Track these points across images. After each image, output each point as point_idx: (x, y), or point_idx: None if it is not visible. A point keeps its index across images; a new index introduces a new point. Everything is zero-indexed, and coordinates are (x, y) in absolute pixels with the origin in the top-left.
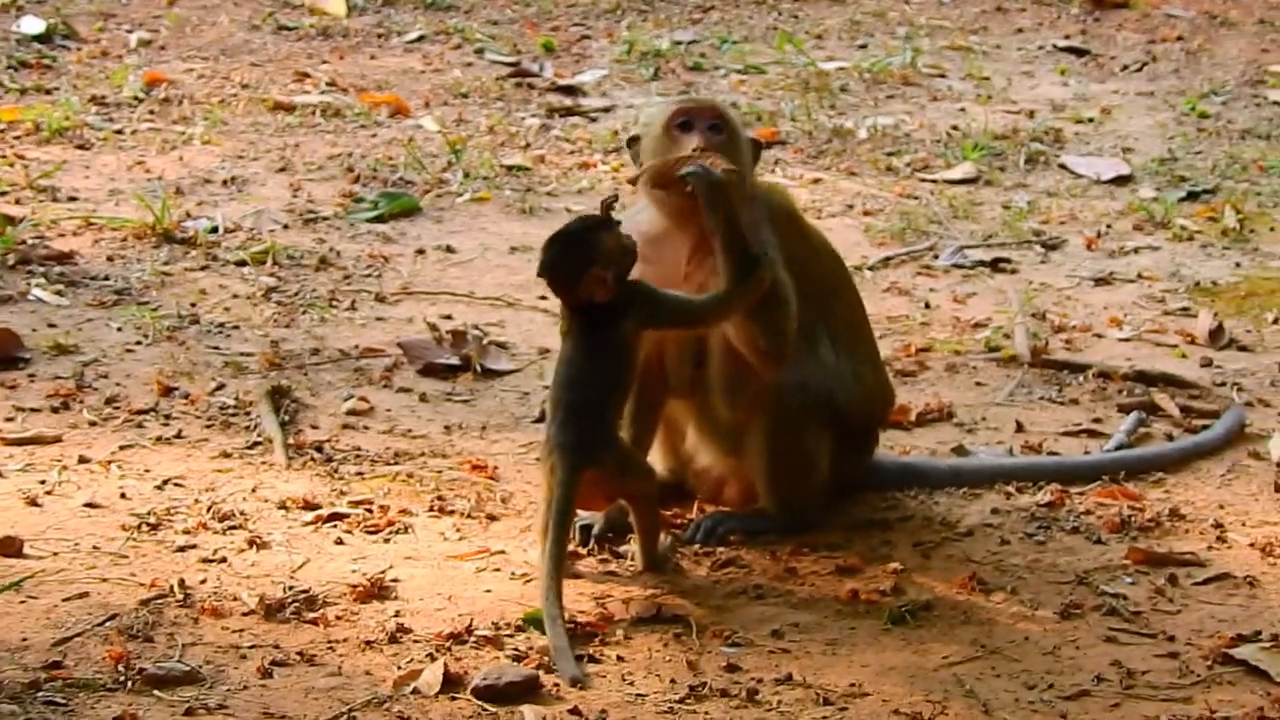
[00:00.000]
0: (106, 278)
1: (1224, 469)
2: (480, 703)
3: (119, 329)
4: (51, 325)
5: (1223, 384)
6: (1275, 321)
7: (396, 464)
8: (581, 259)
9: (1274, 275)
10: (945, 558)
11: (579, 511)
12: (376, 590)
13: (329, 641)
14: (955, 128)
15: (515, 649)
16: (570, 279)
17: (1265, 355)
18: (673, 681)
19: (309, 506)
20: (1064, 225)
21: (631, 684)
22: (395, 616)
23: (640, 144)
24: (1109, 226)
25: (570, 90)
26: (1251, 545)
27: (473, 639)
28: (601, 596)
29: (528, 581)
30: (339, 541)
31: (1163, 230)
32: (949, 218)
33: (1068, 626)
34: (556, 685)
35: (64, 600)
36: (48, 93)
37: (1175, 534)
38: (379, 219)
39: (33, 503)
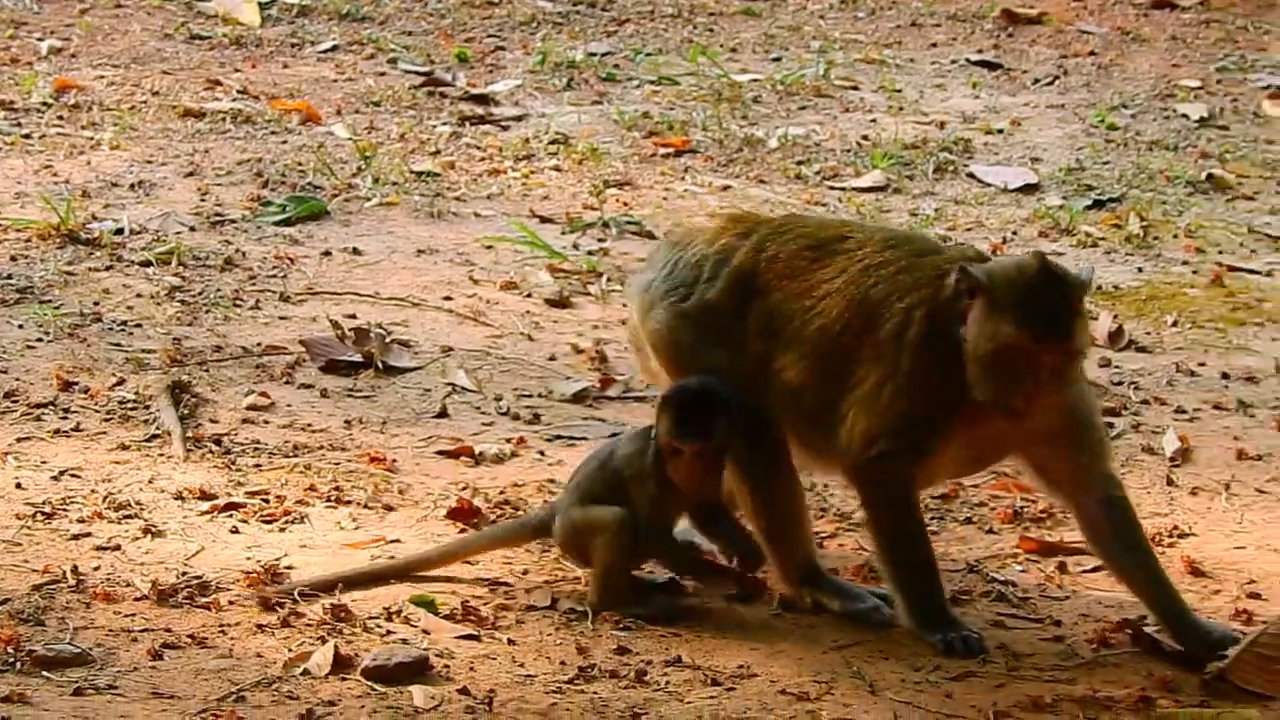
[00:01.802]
0: (9, 276)
1: (1119, 463)
2: (369, 683)
3: (20, 326)
4: None
5: (1120, 383)
6: (1174, 324)
7: (295, 456)
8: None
9: (1175, 280)
10: (839, 547)
11: None
12: (270, 577)
13: (220, 625)
14: (866, 138)
15: (405, 632)
16: None
17: (1163, 356)
18: (562, 663)
19: (205, 496)
20: (970, 232)
21: (521, 665)
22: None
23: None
24: (1015, 233)
25: (483, 99)
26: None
27: (363, 622)
28: (498, 584)
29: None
30: (234, 530)
31: (1068, 236)
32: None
33: (956, 611)
34: (446, 665)
35: None
36: None
37: (1067, 524)
38: (286, 222)
39: None
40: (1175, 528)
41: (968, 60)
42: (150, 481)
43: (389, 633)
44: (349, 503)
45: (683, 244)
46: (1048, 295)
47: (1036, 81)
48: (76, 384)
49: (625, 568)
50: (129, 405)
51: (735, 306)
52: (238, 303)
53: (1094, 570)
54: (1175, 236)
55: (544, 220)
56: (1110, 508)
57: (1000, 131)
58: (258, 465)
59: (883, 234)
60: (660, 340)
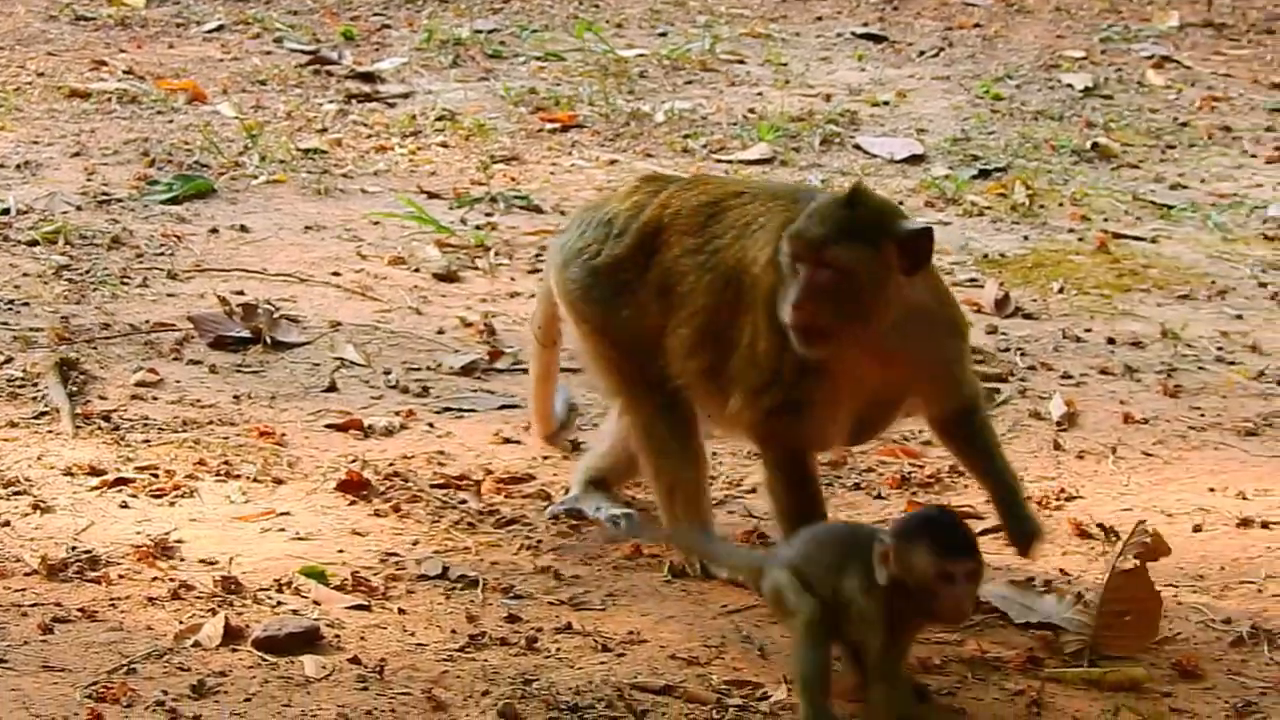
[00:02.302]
0: None
1: (1006, 428)
2: (260, 654)
3: None
4: None
5: (1007, 349)
6: (1060, 291)
7: (184, 431)
8: None
9: (1060, 248)
10: (728, 514)
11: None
12: (160, 550)
13: (111, 599)
14: (752, 111)
15: (296, 603)
16: None
17: (1049, 322)
18: (453, 632)
19: (95, 472)
20: None
21: (412, 634)
22: (178, 574)
23: None
24: (901, 203)
25: (369, 77)
26: (1029, 498)
27: (254, 594)
28: (388, 555)
29: (308, 539)
30: (124, 505)
31: (954, 206)
32: None
33: None
34: (337, 635)
35: None
36: None
37: (955, 489)
38: (173, 200)
39: None
40: (1062, 490)
41: (853, 33)
42: (39, 458)
43: (279, 604)
44: (238, 476)
45: (599, 204)
46: (829, 208)
47: (922, 54)
48: None
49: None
50: (17, 383)
51: (640, 261)
52: (125, 280)
53: (983, 534)
54: (1061, 205)
55: (431, 196)
56: (965, 414)
57: (886, 103)
58: (147, 441)
59: (774, 189)
60: (572, 298)
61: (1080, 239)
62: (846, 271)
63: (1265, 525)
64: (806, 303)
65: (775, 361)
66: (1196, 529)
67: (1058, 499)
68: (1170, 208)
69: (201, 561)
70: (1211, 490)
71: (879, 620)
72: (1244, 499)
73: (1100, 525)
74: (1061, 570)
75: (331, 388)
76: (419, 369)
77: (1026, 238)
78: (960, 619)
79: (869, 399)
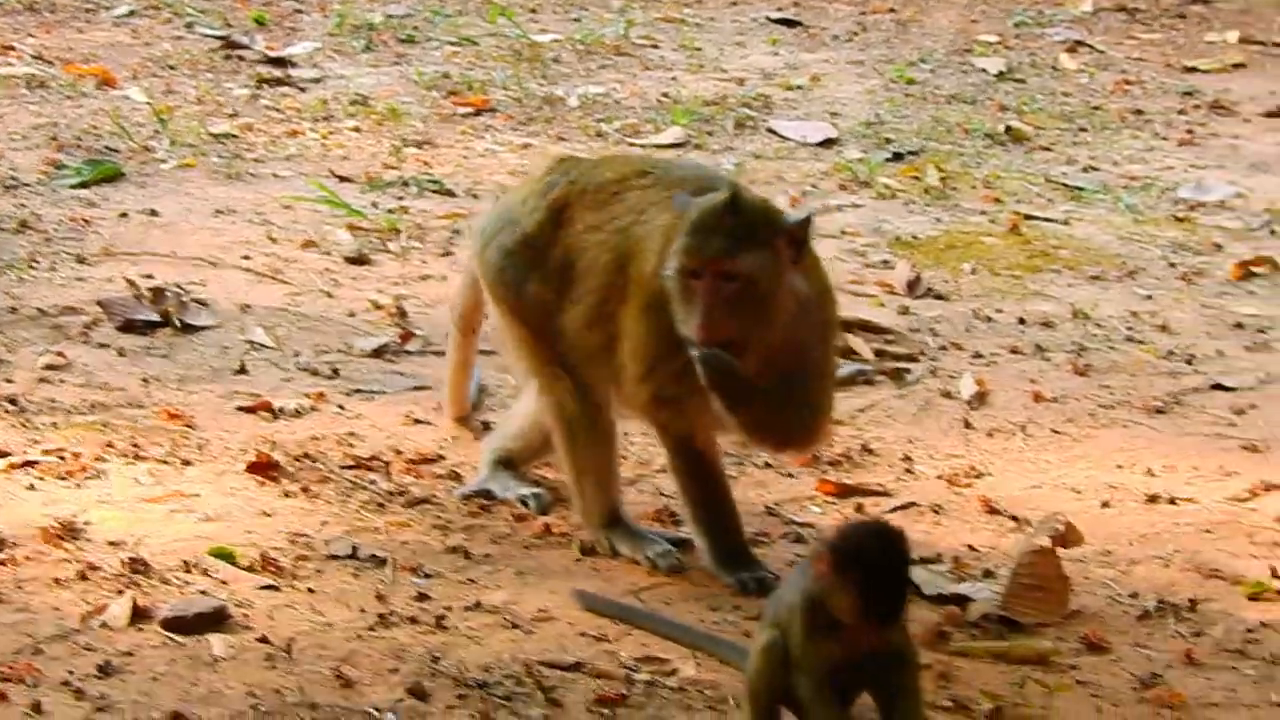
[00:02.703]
0: None
1: (916, 407)
2: (168, 634)
3: None
4: None
5: (917, 330)
6: (972, 272)
7: (92, 414)
8: None
9: (972, 229)
10: (639, 493)
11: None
12: (67, 532)
13: (17, 580)
14: (666, 95)
15: (204, 584)
16: None
17: (961, 303)
18: (362, 610)
19: (1, 455)
20: (769, 185)
21: (321, 614)
22: (85, 555)
23: None
24: (814, 186)
25: (281, 62)
26: (939, 477)
27: (162, 575)
28: (297, 535)
29: (217, 520)
30: (30, 487)
31: (866, 189)
32: None
33: (757, 554)
34: (245, 615)
35: None
36: None
37: (865, 467)
38: (82, 185)
39: None
40: (972, 468)
41: (767, 18)
42: None
43: (187, 584)
44: (147, 459)
45: (519, 186)
46: (713, 217)
47: (836, 38)
48: None
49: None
50: None
51: (548, 238)
52: (33, 265)
53: (892, 511)
54: (973, 187)
55: (343, 180)
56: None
57: (799, 87)
58: (54, 423)
59: (679, 174)
60: (490, 279)
61: (992, 221)
62: (750, 279)
63: (1172, 501)
64: (715, 319)
65: (653, 357)
66: (1105, 505)
67: (967, 477)
68: (1082, 190)
69: (109, 543)
70: (1120, 467)
71: (801, 630)
72: (1151, 475)
73: (1010, 514)
74: (970, 546)
75: (241, 370)
76: (329, 351)
77: (939, 220)
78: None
79: None
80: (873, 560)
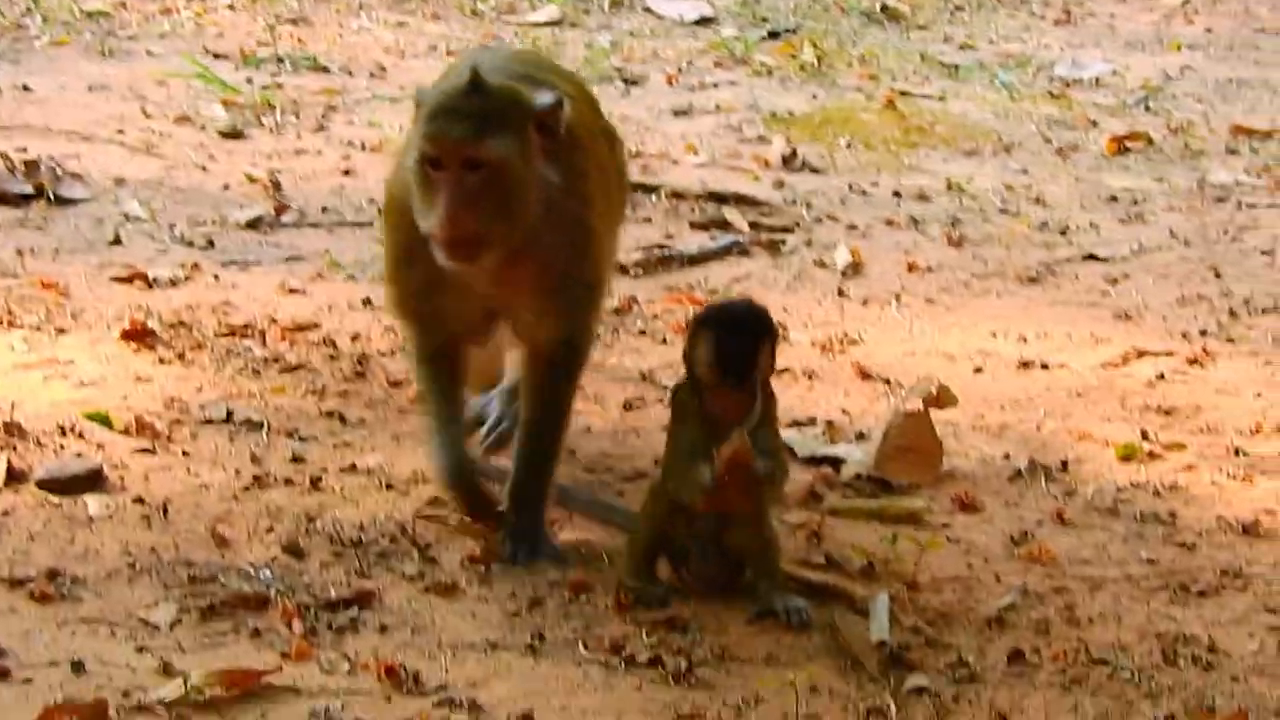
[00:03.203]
0: None
1: (791, 276)
2: (44, 494)
3: None
4: None
5: (793, 202)
6: (848, 146)
7: None
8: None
9: (847, 106)
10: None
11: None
12: None
13: None
14: None
15: (80, 446)
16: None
17: (836, 177)
18: (237, 472)
19: None
20: (645, 63)
21: (197, 476)
22: None
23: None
24: (690, 63)
25: None
26: (813, 344)
27: (37, 438)
28: (173, 400)
29: (93, 385)
30: None
31: (743, 66)
32: None
33: (630, 417)
34: (121, 477)
35: None
36: None
37: None
38: None
39: None
40: (846, 335)
41: None
42: None
43: (63, 447)
44: (21, 326)
45: None
46: (456, 101)
47: None
48: None
49: (648, 540)
50: None
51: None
52: None
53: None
54: (849, 65)
55: (218, 57)
56: (552, 372)
57: None
58: None
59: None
60: (386, 198)
61: (868, 97)
62: (498, 167)
63: (1044, 366)
64: (458, 211)
65: (398, 259)
66: (978, 371)
67: (841, 343)
68: (958, 67)
69: None
70: (993, 335)
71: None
72: (1024, 342)
73: (883, 379)
74: (844, 410)
75: (116, 241)
76: (204, 223)
77: (815, 96)
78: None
79: (486, 305)
80: (725, 317)
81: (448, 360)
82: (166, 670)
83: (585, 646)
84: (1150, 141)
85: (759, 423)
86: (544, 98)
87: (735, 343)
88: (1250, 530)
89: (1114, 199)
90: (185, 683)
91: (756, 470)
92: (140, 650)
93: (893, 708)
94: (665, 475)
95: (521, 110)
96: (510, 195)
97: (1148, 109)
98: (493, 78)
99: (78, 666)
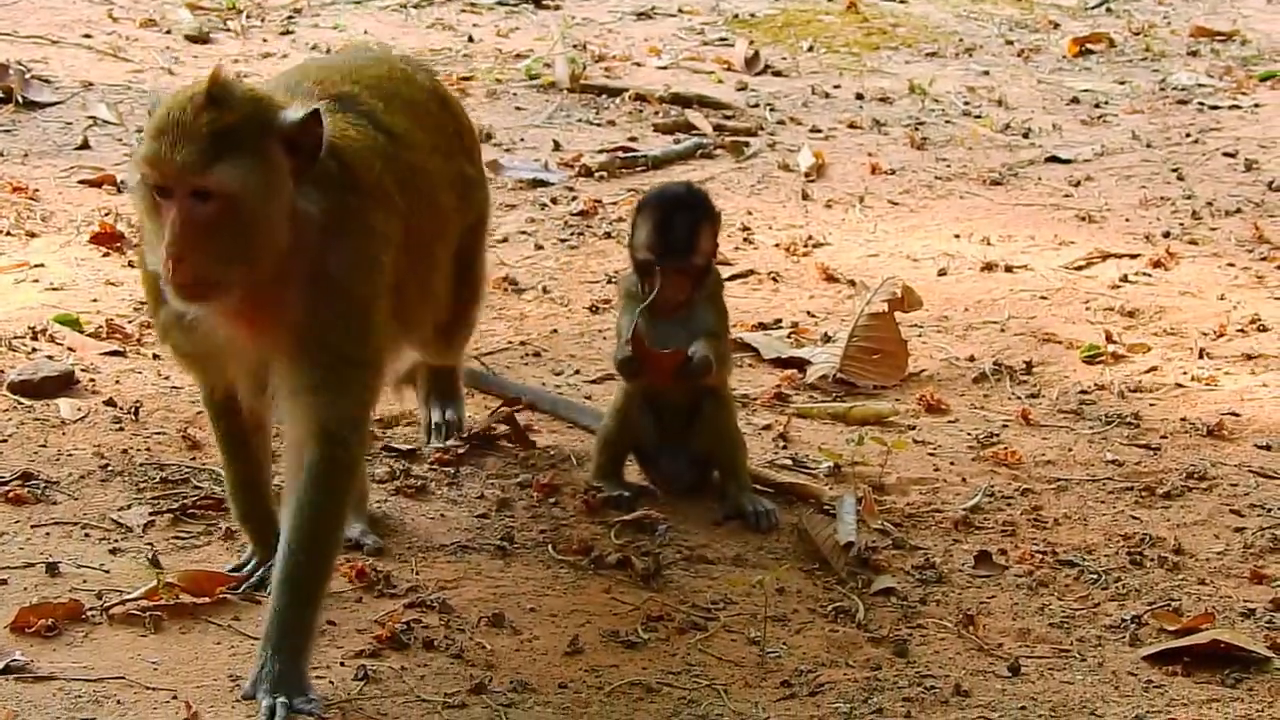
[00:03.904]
0: None
1: (755, 179)
2: (16, 397)
3: None
4: None
5: (756, 105)
6: (810, 50)
7: None
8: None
9: (810, 8)
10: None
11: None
12: None
13: None
14: None
15: (51, 350)
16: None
17: (799, 79)
18: None
19: None
20: None
21: (167, 379)
22: None
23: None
24: None
25: None
26: (777, 246)
27: (8, 341)
28: (143, 304)
29: (63, 289)
30: None
31: None
32: None
33: (595, 320)
34: (92, 380)
35: None
36: None
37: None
38: None
39: None
40: (810, 238)
41: None
42: None
43: (34, 351)
44: None
45: None
46: (183, 115)
47: None
48: None
49: (616, 441)
50: None
51: None
52: None
53: (732, 279)
54: None
55: None
56: (309, 474)
57: None
58: None
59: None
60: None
61: (829, 0)
62: (231, 197)
63: (1008, 269)
64: (184, 249)
65: (152, 301)
66: (942, 273)
67: (805, 245)
68: None
69: None
70: (957, 237)
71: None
72: (988, 245)
73: (848, 280)
74: (808, 313)
75: (84, 145)
76: None
77: None
78: (670, 308)
79: (247, 357)
80: (665, 197)
81: (235, 407)
82: (140, 572)
83: (554, 548)
84: (1112, 43)
85: (704, 305)
86: (292, 112)
87: (675, 221)
88: (1214, 432)
89: (1075, 101)
90: (159, 584)
91: (661, 352)
92: (114, 552)
93: (860, 609)
94: (628, 391)
95: (263, 126)
96: (248, 231)
97: (1109, 11)
98: (236, 87)
99: (52, 568)
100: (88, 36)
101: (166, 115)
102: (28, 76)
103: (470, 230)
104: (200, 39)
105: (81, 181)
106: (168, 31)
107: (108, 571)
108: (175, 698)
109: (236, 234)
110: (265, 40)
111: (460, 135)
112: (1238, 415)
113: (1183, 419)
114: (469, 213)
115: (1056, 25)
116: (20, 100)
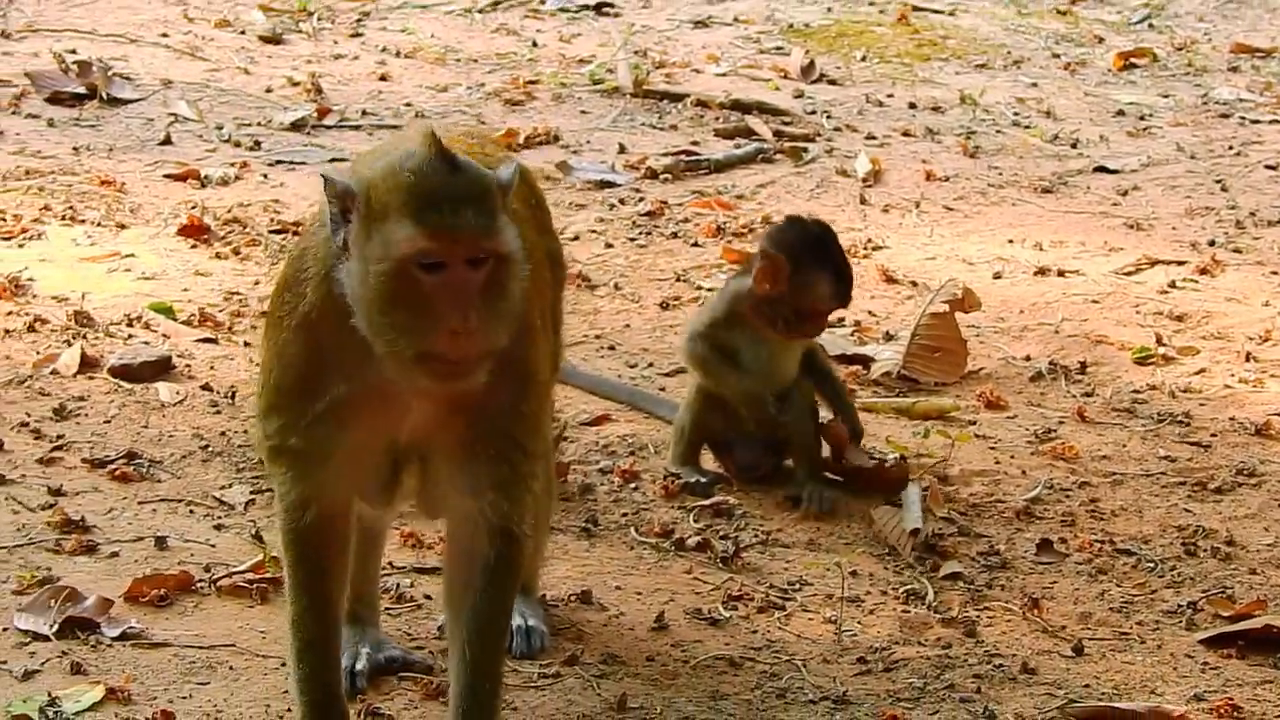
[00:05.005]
0: None
1: (814, 184)
2: (116, 380)
3: None
4: None
5: (813, 112)
6: (863, 59)
7: (28, 180)
8: None
9: (863, 19)
10: None
11: None
12: (14, 288)
13: None
14: None
15: (147, 336)
16: None
17: (853, 88)
18: None
19: None
20: None
21: (258, 365)
22: (32, 309)
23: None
24: None
25: None
26: None
27: (105, 328)
28: (232, 293)
29: (155, 279)
30: None
31: None
32: None
33: (667, 316)
34: (188, 365)
35: None
36: None
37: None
38: None
39: None
40: (870, 241)
41: None
42: None
43: (131, 336)
44: (83, 221)
45: None
46: (437, 179)
47: None
48: None
49: (692, 431)
50: None
51: None
52: None
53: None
54: None
55: None
56: (486, 575)
57: None
58: None
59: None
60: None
61: (881, 11)
62: (505, 258)
63: (1061, 274)
64: (476, 319)
65: (271, 400)
66: (997, 276)
67: (865, 248)
68: None
69: (53, 298)
70: (1010, 242)
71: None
72: (1040, 250)
73: (909, 281)
74: (870, 312)
75: (167, 141)
76: (250, 124)
77: (830, 10)
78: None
79: (389, 451)
80: (836, 256)
81: (331, 535)
82: (244, 547)
83: (636, 531)
84: (1155, 58)
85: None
86: (505, 170)
87: (848, 274)
88: (1262, 431)
89: (1121, 113)
90: (265, 558)
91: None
92: (218, 528)
93: (930, 592)
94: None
95: (499, 184)
96: (515, 294)
97: (1151, 27)
98: (455, 146)
99: (160, 542)
100: (165, 36)
101: (421, 185)
102: (110, 74)
103: (557, 299)
104: (273, 39)
105: (166, 176)
106: (242, 32)
107: (213, 546)
108: (284, 665)
109: (509, 298)
110: (336, 42)
111: (542, 207)
112: None
113: (1231, 418)
114: (560, 286)
115: (1101, 40)
116: (104, 97)
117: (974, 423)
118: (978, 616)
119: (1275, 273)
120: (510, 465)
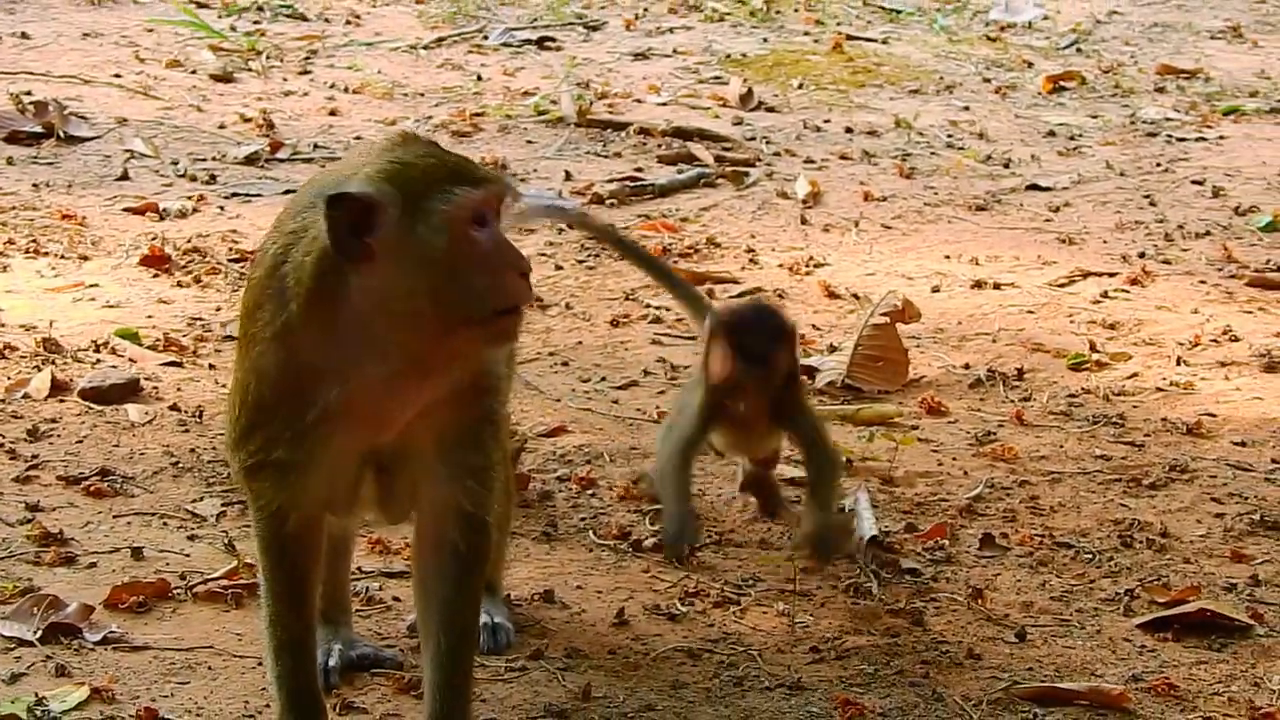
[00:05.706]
0: None
1: (755, 206)
2: (87, 403)
3: None
4: None
5: (753, 138)
6: (800, 87)
7: None
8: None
9: (797, 49)
10: None
11: None
12: None
13: None
14: None
15: (114, 361)
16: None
17: (791, 115)
18: None
19: None
20: (604, 9)
21: (224, 386)
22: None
23: None
24: (646, 10)
25: None
26: (780, 266)
27: (74, 353)
28: (195, 319)
29: (119, 307)
30: None
31: (695, 12)
32: (496, 3)
33: (618, 333)
34: (155, 387)
35: None
36: None
37: (713, 258)
38: None
39: None
40: (811, 259)
41: None
42: None
43: (99, 361)
44: (47, 254)
45: None
46: (454, 154)
47: None
48: None
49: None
50: None
51: None
52: None
53: (740, 295)
54: (795, 10)
55: (201, 5)
56: (457, 563)
57: None
58: None
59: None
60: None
61: (816, 41)
62: (510, 205)
63: (996, 286)
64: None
65: (250, 404)
66: (935, 290)
67: (807, 266)
68: (898, 12)
69: (21, 326)
70: (947, 257)
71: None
72: (976, 264)
73: (851, 295)
74: (814, 325)
75: (124, 176)
76: (205, 159)
77: (766, 40)
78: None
79: (357, 459)
80: (743, 316)
81: (309, 540)
82: (217, 556)
83: (595, 534)
84: (1083, 81)
85: (797, 413)
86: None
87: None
88: (1193, 430)
89: (1052, 134)
90: (239, 564)
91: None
92: (192, 539)
93: (876, 585)
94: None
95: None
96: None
97: (1079, 51)
98: None
99: (137, 552)
100: (118, 76)
101: (446, 157)
102: (66, 113)
103: None
104: (224, 78)
105: (126, 209)
106: (193, 71)
107: (188, 555)
108: (260, 664)
109: None
110: (285, 79)
111: None
112: (1214, 415)
113: (1164, 419)
114: None
115: (1030, 64)
116: (61, 135)
117: (917, 427)
118: (924, 607)
119: (1203, 281)
120: (484, 454)
